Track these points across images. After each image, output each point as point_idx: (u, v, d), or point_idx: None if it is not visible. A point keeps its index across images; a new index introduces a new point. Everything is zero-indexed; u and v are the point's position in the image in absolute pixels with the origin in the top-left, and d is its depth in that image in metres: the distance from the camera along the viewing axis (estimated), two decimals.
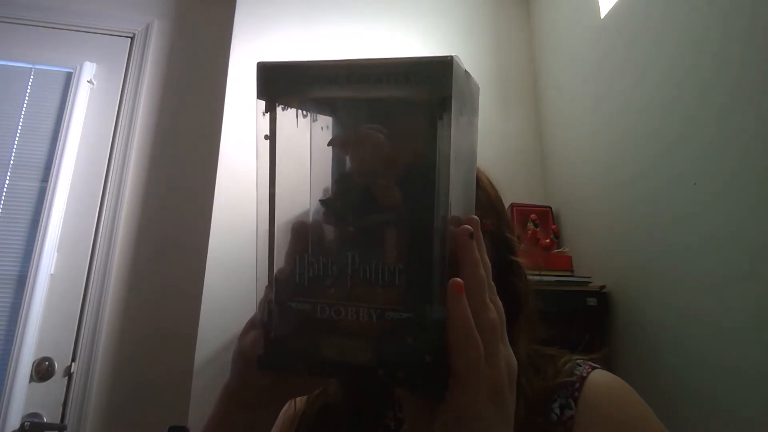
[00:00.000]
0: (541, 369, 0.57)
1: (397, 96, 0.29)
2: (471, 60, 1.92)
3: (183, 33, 1.99)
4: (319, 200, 0.32)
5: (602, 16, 1.57)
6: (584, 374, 0.55)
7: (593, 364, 0.57)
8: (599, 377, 0.55)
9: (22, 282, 1.60)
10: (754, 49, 1.03)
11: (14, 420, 1.44)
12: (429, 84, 0.28)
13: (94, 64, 1.85)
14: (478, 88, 0.37)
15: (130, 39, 1.94)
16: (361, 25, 1.90)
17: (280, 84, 0.31)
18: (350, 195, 0.31)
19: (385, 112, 0.31)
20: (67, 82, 1.82)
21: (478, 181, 0.64)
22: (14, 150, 1.75)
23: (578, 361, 0.58)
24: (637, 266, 1.35)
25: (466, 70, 0.32)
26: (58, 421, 1.51)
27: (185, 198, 1.80)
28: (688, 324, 1.16)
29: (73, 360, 1.58)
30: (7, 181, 1.71)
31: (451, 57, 0.28)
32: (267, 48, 1.81)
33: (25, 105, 1.80)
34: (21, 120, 1.78)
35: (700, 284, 1.14)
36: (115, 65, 1.90)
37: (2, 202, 1.70)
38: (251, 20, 1.83)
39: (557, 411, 0.53)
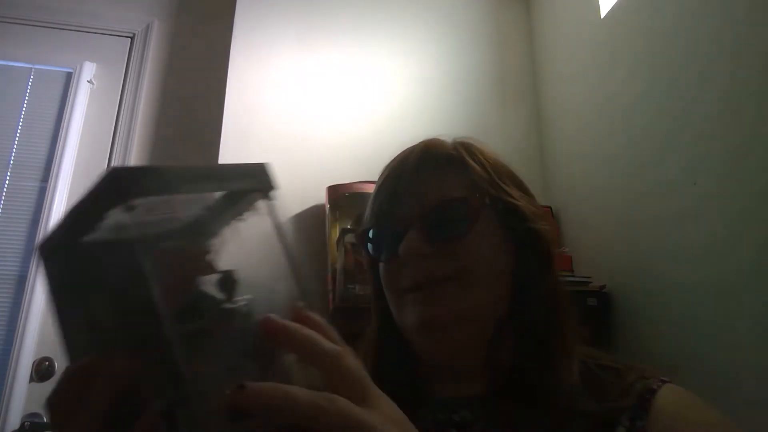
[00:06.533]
0: (603, 387, 0.52)
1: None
2: (471, 59, 1.92)
3: (183, 33, 1.99)
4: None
5: (602, 16, 1.57)
6: (654, 387, 0.52)
7: (663, 378, 0.54)
8: (673, 391, 0.53)
9: (22, 282, 1.59)
10: (754, 47, 1.03)
11: (14, 420, 1.43)
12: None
13: (94, 64, 1.85)
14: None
15: (130, 39, 1.94)
16: (360, 19, 1.90)
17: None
18: None
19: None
20: (67, 82, 1.82)
21: (462, 161, 0.59)
22: (14, 150, 1.75)
23: (646, 374, 0.55)
24: (637, 266, 1.35)
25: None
26: None
27: None
28: (689, 324, 1.16)
29: None
30: (7, 181, 1.71)
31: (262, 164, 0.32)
32: (267, 47, 1.81)
33: (25, 105, 1.79)
34: (21, 120, 1.78)
35: (700, 284, 1.14)
36: (115, 65, 1.89)
37: (2, 202, 1.70)
38: (251, 20, 1.83)
39: (626, 423, 0.50)
